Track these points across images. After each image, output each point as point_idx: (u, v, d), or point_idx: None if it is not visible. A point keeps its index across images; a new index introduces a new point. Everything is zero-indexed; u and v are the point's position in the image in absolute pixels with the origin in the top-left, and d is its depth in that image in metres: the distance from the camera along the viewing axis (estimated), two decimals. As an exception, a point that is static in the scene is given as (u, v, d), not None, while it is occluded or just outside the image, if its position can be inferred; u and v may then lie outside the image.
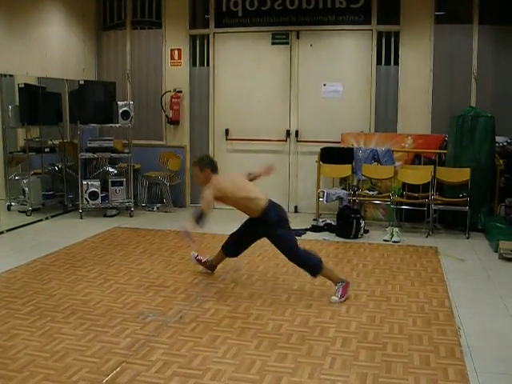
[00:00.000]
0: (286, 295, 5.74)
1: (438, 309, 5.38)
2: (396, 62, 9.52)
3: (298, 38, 9.84)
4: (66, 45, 9.95)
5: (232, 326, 4.91)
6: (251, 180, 6.05)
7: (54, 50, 9.63)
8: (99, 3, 10.79)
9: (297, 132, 9.93)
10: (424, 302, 5.57)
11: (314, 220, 9.12)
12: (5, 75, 8.73)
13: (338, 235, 8.34)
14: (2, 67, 8.46)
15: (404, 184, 8.80)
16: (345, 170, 9.11)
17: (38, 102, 9.12)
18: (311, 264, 5.68)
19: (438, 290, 5.92)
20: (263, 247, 7.50)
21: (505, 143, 8.87)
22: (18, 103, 9.08)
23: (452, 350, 4.44)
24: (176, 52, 10.38)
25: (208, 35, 10.28)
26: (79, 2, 10.25)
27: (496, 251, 7.35)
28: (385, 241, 8.04)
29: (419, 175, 8.70)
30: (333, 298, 5.54)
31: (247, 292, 5.82)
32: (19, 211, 9.30)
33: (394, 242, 7.98)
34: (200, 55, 10.43)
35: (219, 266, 6.43)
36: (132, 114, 9.49)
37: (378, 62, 9.59)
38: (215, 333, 4.77)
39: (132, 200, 9.69)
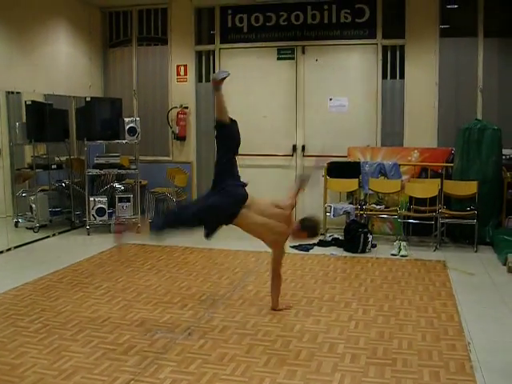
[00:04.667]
0: (294, 311, 5.71)
1: (448, 323, 5.34)
2: (401, 76, 9.53)
3: (303, 53, 9.87)
4: (72, 62, 10.01)
5: (240, 343, 4.89)
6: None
7: (61, 67, 9.69)
8: (105, 21, 10.87)
9: (303, 147, 9.94)
10: (433, 316, 5.54)
11: (321, 235, 9.08)
12: (12, 92, 8.76)
13: (345, 250, 8.31)
14: (10, 84, 8.50)
15: (411, 198, 8.76)
16: (352, 184, 9.09)
17: (44, 119, 9.15)
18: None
19: (446, 305, 5.89)
20: (270, 263, 7.49)
21: (512, 155, 8.86)
22: (25, 120, 9.12)
23: (462, 366, 4.41)
24: (182, 68, 10.42)
25: (214, 51, 10.34)
26: (85, 20, 10.32)
27: (504, 264, 7.30)
28: (392, 255, 8.01)
29: (426, 189, 8.67)
30: None
31: (255, 308, 5.79)
32: (27, 228, 9.31)
33: (402, 256, 7.95)
34: (206, 71, 10.47)
35: (226, 282, 6.40)
36: (138, 130, 9.51)
37: (384, 76, 9.61)
38: (224, 350, 4.75)
39: (139, 216, 9.69)
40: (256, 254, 7.96)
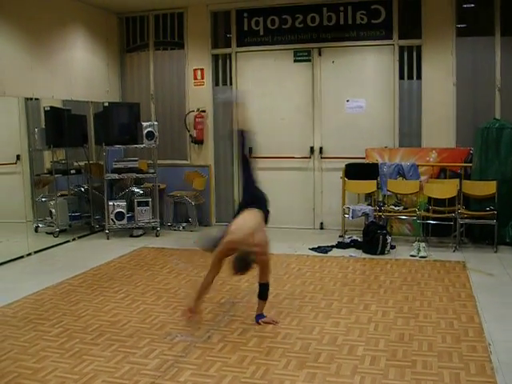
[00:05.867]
0: (313, 313, 5.71)
1: (468, 325, 5.31)
2: (419, 76, 9.49)
3: (319, 54, 9.86)
4: (90, 67, 10.08)
5: (260, 346, 4.90)
6: None
7: (79, 73, 9.76)
8: (122, 26, 10.93)
9: (321, 148, 9.93)
10: (453, 318, 5.51)
11: (339, 237, 9.09)
12: (31, 99, 8.84)
13: (364, 251, 8.30)
14: (28, 91, 8.58)
15: (430, 198, 8.74)
16: (370, 185, 9.07)
17: (63, 125, 9.23)
18: None
19: (466, 306, 5.86)
20: (289, 265, 7.53)
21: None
22: (44, 126, 9.21)
23: (483, 367, 4.38)
24: (199, 72, 10.45)
25: (230, 54, 10.36)
26: (102, 26, 10.39)
27: (525, 264, 7.28)
28: (412, 256, 7.98)
29: (445, 189, 8.64)
30: None
31: (274, 311, 5.79)
32: (46, 233, 9.40)
33: (421, 257, 7.92)
34: (223, 74, 10.50)
35: (245, 285, 6.39)
36: (156, 134, 9.57)
37: (401, 77, 9.57)
38: (243, 353, 4.76)
39: (158, 220, 9.74)
40: (274, 257, 7.95)
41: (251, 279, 6.79)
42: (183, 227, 10.25)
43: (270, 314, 5.56)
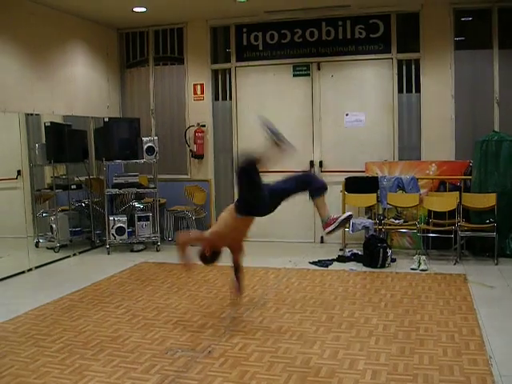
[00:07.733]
0: (314, 328, 5.70)
1: (469, 338, 5.30)
2: (417, 90, 9.53)
3: (318, 69, 9.91)
4: (90, 83, 10.12)
5: (261, 361, 4.89)
6: None
7: (79, 88, 9.80)
8: (122, 41, 10.98)
9: (321, 162, 9.95)
10: (454, 331, 5.50)
11: (340, 250, 9.10)
12: (31, 114, 8.86)
13: (364, 265, 8.28)
14: (29, 107, 8.62)
15: (430, 211, 8.75)
16: (370, 199, 9.09)
17: (63, 140, 9.26)
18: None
19: (467, 319, 5.85)
20: (290, 279, 7.52)
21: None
22: (44, 141, 9.23)
23: (484, 380, 4.37)
24: (199, 87, 10.49)
25: (230, 69, 10.41)
26: (102, 41, 10.44)
27: (525, 277, 7.27)
28: (412, 269, 7.97)
29: (445, 202, 8.65)
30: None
31: (275, 325, 5.79)
32: (47, 248, 9.39)
33: (422, 270, 7.91)
34: (222, 89, 10.54)
35: (245, 300, 6.39)
36: (156, 149, 9.59)
37: (400, 90, 9.61)
38: (244, 368, 4.74)
39: (158, 234, 9.74)
40: (275, 271, 7.98)
41: (251, 293, 6.80)
42: (184, 242, 10.24)
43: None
